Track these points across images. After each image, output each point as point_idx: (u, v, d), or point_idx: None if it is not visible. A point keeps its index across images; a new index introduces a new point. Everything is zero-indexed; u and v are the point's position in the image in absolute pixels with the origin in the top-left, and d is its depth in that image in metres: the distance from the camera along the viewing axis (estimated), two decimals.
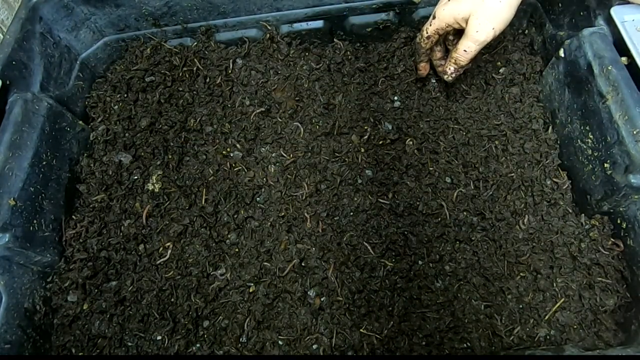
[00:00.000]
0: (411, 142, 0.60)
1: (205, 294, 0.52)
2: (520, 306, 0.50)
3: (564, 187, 0.56)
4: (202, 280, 0.53)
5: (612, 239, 0.51)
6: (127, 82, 0.66)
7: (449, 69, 0.57)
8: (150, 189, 0.58)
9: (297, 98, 0.64)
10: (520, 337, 0.48)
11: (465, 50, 0.53)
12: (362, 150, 0.60)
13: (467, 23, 0.52)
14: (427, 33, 0.56)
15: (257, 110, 0.63)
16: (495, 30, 0.51)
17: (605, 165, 0.49)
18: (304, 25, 0.68)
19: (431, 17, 0.55)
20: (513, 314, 0.50)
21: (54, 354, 0.49)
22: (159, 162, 0.60)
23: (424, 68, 0.62)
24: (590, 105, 0.51)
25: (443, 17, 0.53)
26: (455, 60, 0.55)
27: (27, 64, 0.55)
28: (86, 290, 0.51)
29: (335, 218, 0.56)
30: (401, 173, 0.58)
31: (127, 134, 0.62)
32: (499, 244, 0.53)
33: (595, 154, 0.51)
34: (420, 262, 0.53)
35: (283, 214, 0.56)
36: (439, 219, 0.55)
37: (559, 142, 0.59)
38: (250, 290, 0.52)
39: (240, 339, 0.50)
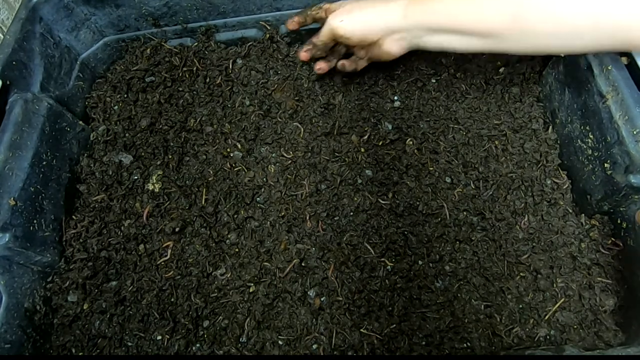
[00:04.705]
0: (411, 142, 0.60)
1: (205, 294, 0.52)
2: (520, 306, 0.50)
3: (564, 187, 0.56)
4: (202, 280, 0.53)
5: (612, 239, 0.51)
6: (127, 82, 0.66)
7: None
8: (150, 189, 0.58)
9: (297, 98, 0.64)
10: (520, 337, 0.48)
11: (319, 33, 0.55)
12: (362, 150, 0.60)
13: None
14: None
15: (257, 110, 0.63)
16: (341, 25, 0.52)
17: (605, 165, 0.49)
18: None
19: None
20: (513, 314, 0.50)
21: (54, 354, 0.49)
22: (159, 162, 0.60)
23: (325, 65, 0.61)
24: (590, 105, 0.51)
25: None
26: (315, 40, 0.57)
27: (27, 64, 0.55)
28: (86, 290, 0.51)
29: (335, 218, 0.56)
30: (401, 173, 0.58)
31: (127, 134, 0.62)
32: (499, 244, 0.53)
33: (595, 154, 0.51)
34: (420, 262, 0.53)
35: (283, 214, 0.56)
36: (439, 219, 0.55)
37: (559, 142, 0.59)
38: (250, 290, 0.52)
39: (240, 339, 0.50)
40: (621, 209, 0.49)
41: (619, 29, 0.37)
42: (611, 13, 0.36)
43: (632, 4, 0.35)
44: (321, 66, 0.61)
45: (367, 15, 0.51)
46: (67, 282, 0.51)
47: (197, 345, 0.50)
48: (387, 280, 0.52)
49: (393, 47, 0.53)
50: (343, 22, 0.52)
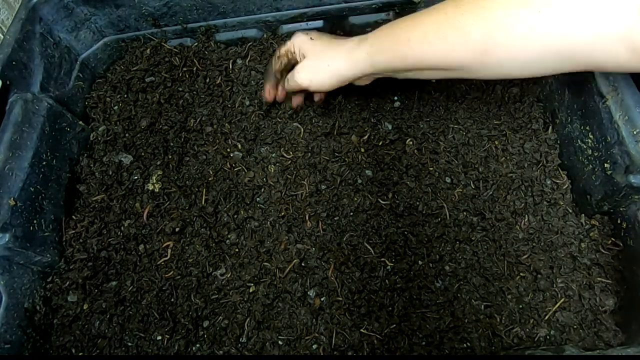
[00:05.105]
0: (411, 142, 0.60)
1: (205, 294, 0.52)
2: (520, 306, 0.50)
3: (564, 187, 0.56)
4: (202, 280, 0.53)
5: (612, 239, 0.51)
6: (127, 82, 0.66)
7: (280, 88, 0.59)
8: (150, 189, 0.58)
9: None
10: (520, 337, 0.48)
11: (287, 81, 0.56)
12: (362, 150, 0.60)
13: (300, 59, 0.55)
14: (278, 52, 0.58)
15: (257, 111, 0.63)
16: (310, 85, 0.53)
17: (605, 165, 0.49)
18: (303, 26, 0.68)
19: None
20: (513, 314, 0.50)
21: (54, 354, 0.49)
22: (159, 162, 0.60)
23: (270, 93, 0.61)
24: (590, 105, 0.51)
25: (295, 39, 0.56)
26: (284, 86, 0.58)
27: (27, 64, 0.55)
28: (86, 290, 0.51)
29: (335, 218, 0.56)
30: (401, 173, 0.58)
31: (127, 134, 0.62)
32: (499, 244, 0.53)
33: (595, 154, 0.51)
34: (420, 262, 0.53)
35: (283, 214, 0.56)
36: (439, 219, 0.55)
37: (559, 142, 0.59)
38: (250, 290, 0.52)
39: (240, 339, 0.50)
40: (621, 209, 0.49)
41: (579, 54, 0.39)
42: (571, 41, 0.38)
43: (587, 30, 0.37)
44: (299, 102, 0.61)
45: (335, 70, 0.52)
46: (67, 282, 0.51)
47: (197, 345, 0.50)
48: (387, 280, 0.52)
49: (362, 82, 0.55)
50: (313, 82, 0.53)
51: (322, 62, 0.52)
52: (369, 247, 0.53)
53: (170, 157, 0.60)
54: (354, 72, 0.51)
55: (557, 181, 0.56)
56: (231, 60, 0.67)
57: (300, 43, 0.54)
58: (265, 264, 0.53)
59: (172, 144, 0.61)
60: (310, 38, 0.54)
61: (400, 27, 0.47)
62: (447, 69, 0.46)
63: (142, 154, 0.60)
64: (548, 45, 0.38)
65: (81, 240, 0.54)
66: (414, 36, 0.45)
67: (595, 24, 0.35)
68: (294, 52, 0.55)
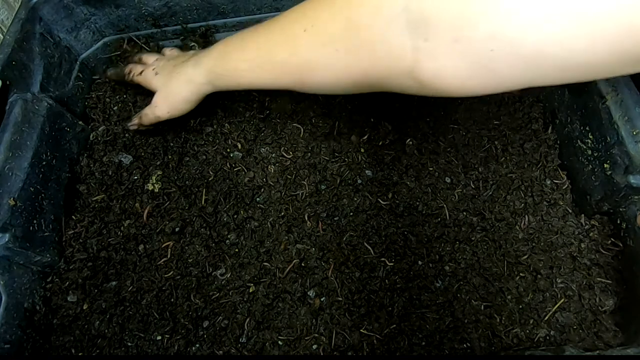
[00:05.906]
0: (411, 142, 0.60)
1: (205, 294, 0.52)
2: (520, 306, 0.50)
3: (564, 187, 0.56)
4: (202, 280, 0.53)
5: (611, 239, 0.51)
6: (127, 82, 0.65)
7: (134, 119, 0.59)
8: (150, 189, 0.58)
9: (296, 98, 0.64)
10: (519, 337, 0.48)
11: (144, 116, 0.58)
12: (362, 150, 0.60)
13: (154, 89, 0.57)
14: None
15: (257, 111, 0.63)
16: (170, 116, 0.56)
17: (605, 165, 0.49)
18: None
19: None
20: (513, 314, 0.50)
21: (54, 354, 0.49)
22: (158, 163, 0.60)
23: None
24: (590, 105, 0.51)
25: (145, 74, 0.58)
26: (140, 116, 0.58)
27: (27, 65, 0.55)
28: (86, 291, 0.51)
29: (335, 218, 0.56)
30: (401, 173, 0.58)
31: (126, 135, 0.62)
32: (499, 244, 0.53)
33: (595, 154, 0.51)
34: (420, 262, 0.53)
35: (283, 214, 0.56)
36: (439, 219, 0.55)
37: (558, 142, 0.59)
38: (250, 291, 0.52)
39: (240, 339, 0.50)
40: (621, 209, 0.49)
41: (380, 85, 0.41)
42: (369, 74, 0.40)
43: (380, 66, 0.39)
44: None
45: (186, 98, 0.54)
46: (67, 282, 0.51)
47: (197, 345, 0.50)
48: (387, 280, 0.52)
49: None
50: (171, 112, 0.56)
51: (171, 93, 0.55)
52: (368, 247, 0.53)
53: (170, 157, 0.60)
54: (199, 95, 0.54)
55: (557, 181, 0.56)
56: None
57: (149, 80, 0.57)
58: (265, 264, 0.53)
59: (172, 144, 0.61)
60: (156, 73, 0.57)
61: (229, 52, 0.50)
62: (277, 89, 0.50)
63: (142, 154, 0.60)
64: (348, 78, 0.42)
65: (81, 240, 0.54)
66: (241, 66, 0.49)
67: (385, 62, 0.38)
68: (145, 85, 0.58)
